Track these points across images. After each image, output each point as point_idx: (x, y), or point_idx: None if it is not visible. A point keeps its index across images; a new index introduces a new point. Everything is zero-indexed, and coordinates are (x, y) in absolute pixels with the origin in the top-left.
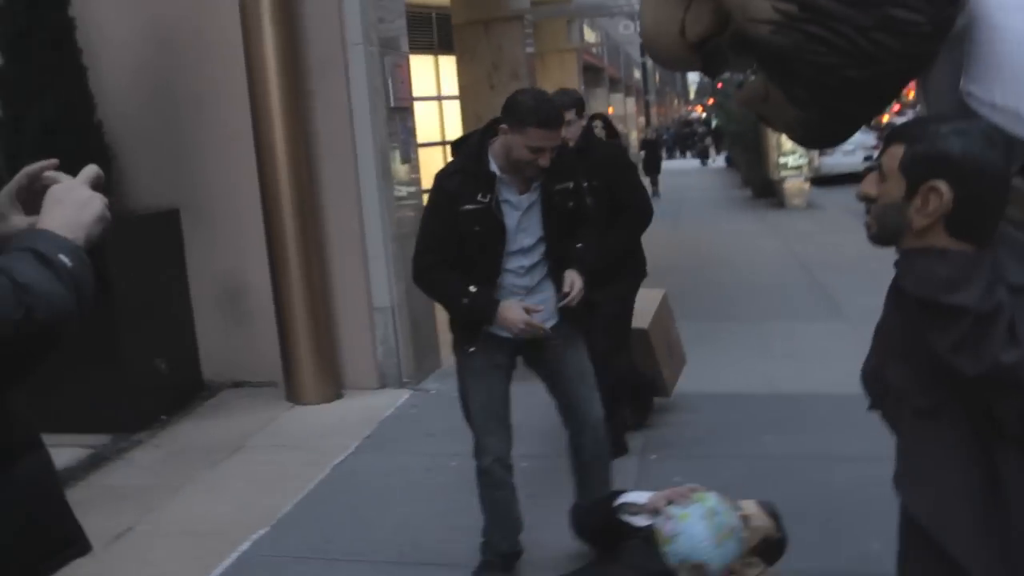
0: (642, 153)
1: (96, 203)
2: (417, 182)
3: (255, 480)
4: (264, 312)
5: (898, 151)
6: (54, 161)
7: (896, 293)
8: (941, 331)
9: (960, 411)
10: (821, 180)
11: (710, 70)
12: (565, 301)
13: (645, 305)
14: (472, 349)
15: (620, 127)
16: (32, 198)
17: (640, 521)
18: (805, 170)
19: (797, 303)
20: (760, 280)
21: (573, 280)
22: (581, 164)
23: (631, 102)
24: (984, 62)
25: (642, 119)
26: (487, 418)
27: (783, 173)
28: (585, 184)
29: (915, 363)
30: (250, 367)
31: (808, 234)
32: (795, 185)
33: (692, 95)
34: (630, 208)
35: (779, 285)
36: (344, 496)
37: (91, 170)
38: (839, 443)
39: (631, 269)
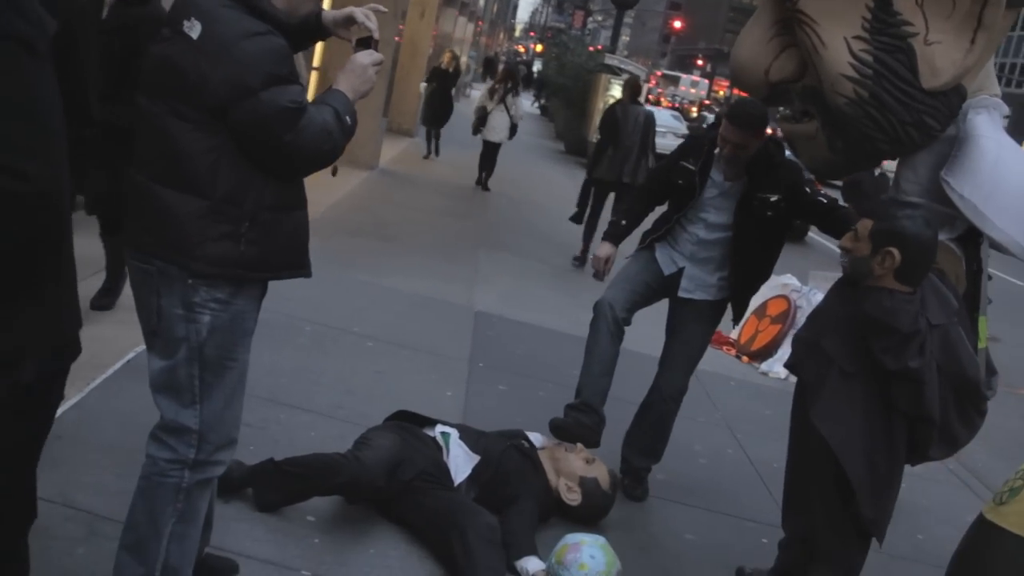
0: (423, 86)
1: (370, 73)
2: None
3: None
4: None
5: (868, 223)
6: (378, 7)
7: (845, 294)
8: (878, 338)
9: (873, 381)
10: None
11: (772, 101)
12: None
13: None
14: (635, 251)
15: (456, 50)
16: (345, 27)
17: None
18: None
19: None
20: (572, 233)
21: None
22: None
23: (471, 28)
24: (964, 165)
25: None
26: (619, 279)
27: None
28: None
29: (848, 340)
30: None
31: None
32: None
33: (518, 32)
34: None
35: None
36: None
37: (375, 57)
38: (631, 391)
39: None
